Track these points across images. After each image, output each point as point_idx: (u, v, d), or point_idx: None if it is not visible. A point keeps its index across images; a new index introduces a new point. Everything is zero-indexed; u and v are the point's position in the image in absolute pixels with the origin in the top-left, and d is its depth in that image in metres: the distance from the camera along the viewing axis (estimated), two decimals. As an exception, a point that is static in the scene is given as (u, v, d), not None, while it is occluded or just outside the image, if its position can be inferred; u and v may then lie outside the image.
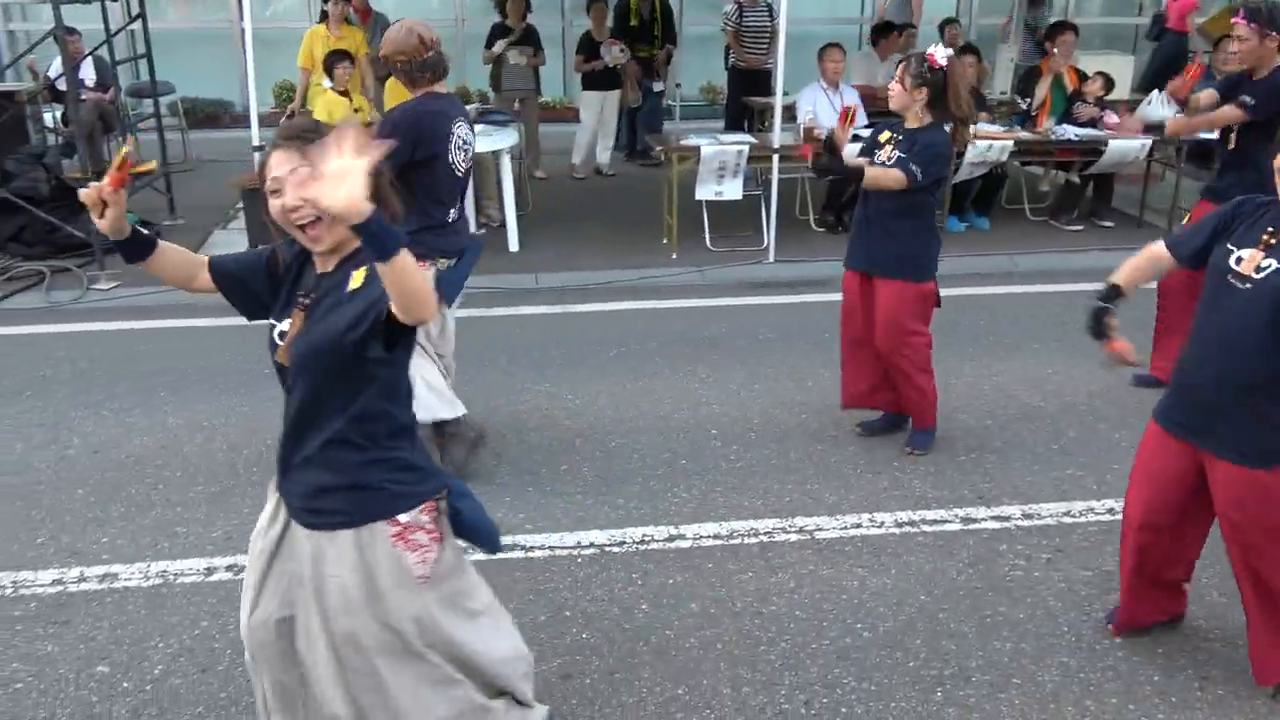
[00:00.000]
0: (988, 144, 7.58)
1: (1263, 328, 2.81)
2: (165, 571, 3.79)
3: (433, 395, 4.22)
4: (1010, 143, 7.71)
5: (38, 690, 3.18)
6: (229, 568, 3.80)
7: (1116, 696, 3.19)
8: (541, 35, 9.61)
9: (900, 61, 4.40)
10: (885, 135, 4.43)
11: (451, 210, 4.28)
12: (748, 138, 7.96)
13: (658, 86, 10.42)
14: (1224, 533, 3.08)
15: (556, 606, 3.59)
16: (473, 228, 8.09)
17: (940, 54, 4.21)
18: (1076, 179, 8.35)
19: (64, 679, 3.24)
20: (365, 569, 2.33)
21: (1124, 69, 10.12)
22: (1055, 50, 8.33)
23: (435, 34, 4.19)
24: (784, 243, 7.54)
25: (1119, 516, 4.17)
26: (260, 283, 2.43)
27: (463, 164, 4.29)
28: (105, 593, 3.67)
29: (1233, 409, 2.90)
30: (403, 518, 2.34)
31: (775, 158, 7.36)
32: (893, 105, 4.37)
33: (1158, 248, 3.26)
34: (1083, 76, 8.49)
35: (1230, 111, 5.03)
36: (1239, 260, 2.88)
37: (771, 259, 7.45)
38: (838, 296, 4.79)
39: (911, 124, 4.34)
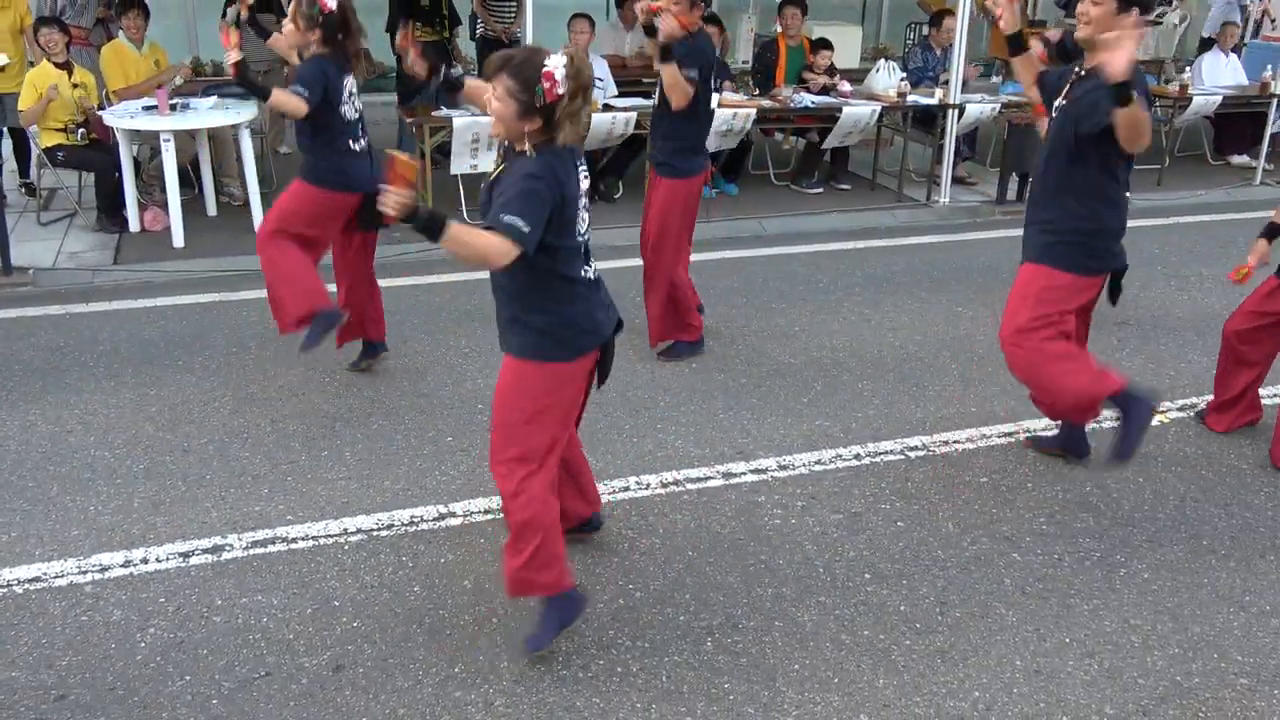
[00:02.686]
0: (733, 113, 7.85)
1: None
2: None
3: None
4: (754, 111, 8.01)
5: None
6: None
7: (868, 629, 3.42)
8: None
9: (292, 3, 4.64)
10: None
11: None
12: (500, 108, 7.87)
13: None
14: None
15: (324, 598, 3.49)
16: (213, 209, 7.70)
17: None
18: (816, 137, 8.73)
19: None
20: None
21: (852, 38, 10.70)
22: (782, 25, 8.75)
23: None
24: (542, 213, 7.53)
25: (864, 461, 4.49)
26: None
27: None
28: None
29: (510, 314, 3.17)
30: None
31: (528, 128, 7.32)
32: (286, 44, 4.75)
33: None
34: (815, 46, 8.92)
35: None
36: None
37: (530, 230, 7.43)
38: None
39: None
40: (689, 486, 4.25)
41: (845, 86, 8.68)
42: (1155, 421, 4.88)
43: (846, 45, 9.92)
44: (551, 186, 2.89)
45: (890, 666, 3.25)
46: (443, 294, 6.33)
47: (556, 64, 2.83)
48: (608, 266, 6.58)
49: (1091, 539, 3.95)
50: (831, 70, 8.79)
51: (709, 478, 4.32)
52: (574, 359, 3.14)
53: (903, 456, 4.53)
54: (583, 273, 3.11)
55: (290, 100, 4.52)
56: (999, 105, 8.60)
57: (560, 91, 2.83)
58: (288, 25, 4.64)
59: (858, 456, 4.52)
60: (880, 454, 4.54)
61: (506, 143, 3.02)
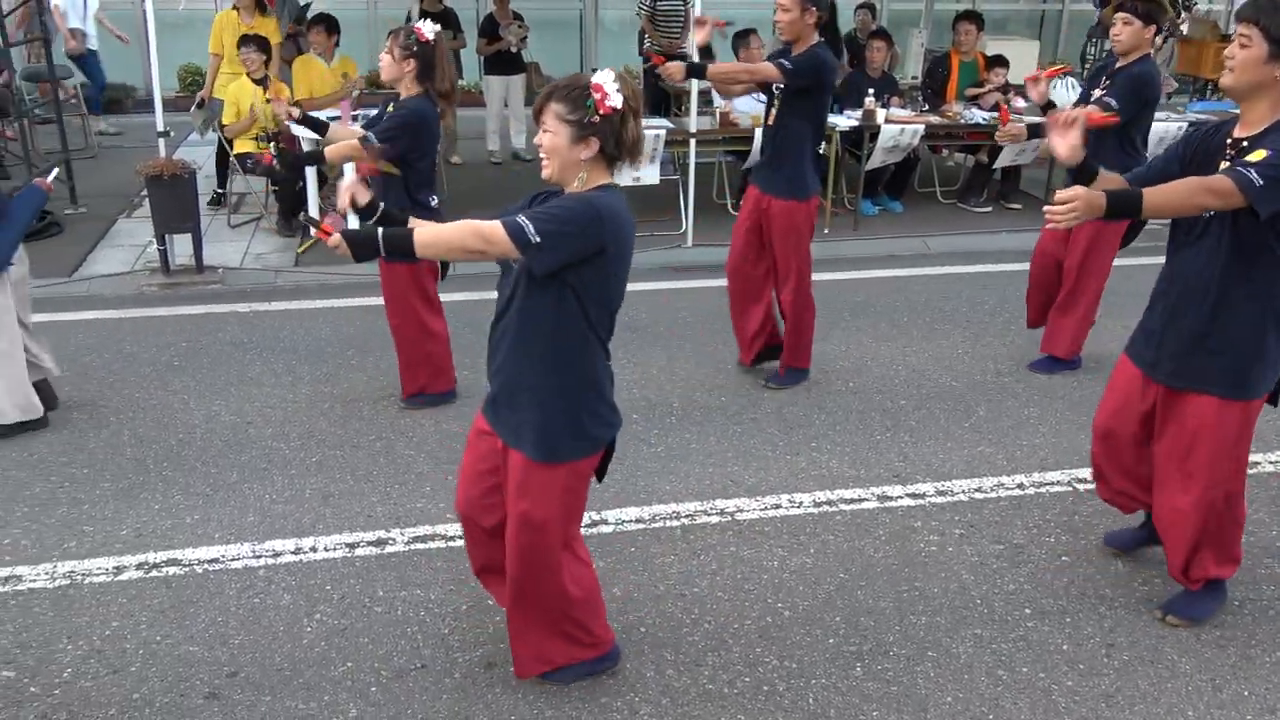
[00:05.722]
0: (899, 128, 7.70)
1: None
2: (72, 572, 3.68)
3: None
4: (922, 127, 7.84)
5: (-62, 698, 3.08)
6: (139, 565, 3.71)
7: (1027, 665, 3.29)
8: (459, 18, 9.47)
9: (390, 33, 4.59)
10: None
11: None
12: (664, 122, 7.97)
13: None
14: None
15: (479, 596, 3.57)
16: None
17: (428, 29, 4.46)
18: (986, 158, 8.50)
19: (-34, 685, 3.13)
20: None
21: (1028, 53, 10.35)
22: (956, 40, 8.56)
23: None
24: (702, 226, 7.57)
25: (1028, 491, 4.32)
26: None
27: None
28: (9, 595, 3.56)
29: (517, 405, 2.84)
30: None
31: (692, 142, 7.38)
32: (384, 76, 4.58)
33: None
34: (990, 63, 8.68)
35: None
36: None
37: (690, 243, 7.48)
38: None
39: (402, 94, 4.55)
40: (842, 507, 4.18)
41: (1020, 103, 8.40)
42: (1353, 465, 4.54)
43: (1022, 60, 9.60)
44: (592, 221, 2.58)
45: (1050, 707, 3.11)
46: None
47: (605, 78, 2.59)
48: (897, 273, 6.55)
49: (1276, 587, 3.69)
50: (1005, 87, 8.53)
51: (863, 499, 4.24)
52: (597, 452, 2.88)
53: (1070, 488, 4.34)
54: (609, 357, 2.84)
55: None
56: (1185, 124, 8.16)
57: (614, 104, 2.57)
58: (384, 57, 4.54)
59: (1021, 486, 4.35)
60: (1046, 484, 4.37)
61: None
